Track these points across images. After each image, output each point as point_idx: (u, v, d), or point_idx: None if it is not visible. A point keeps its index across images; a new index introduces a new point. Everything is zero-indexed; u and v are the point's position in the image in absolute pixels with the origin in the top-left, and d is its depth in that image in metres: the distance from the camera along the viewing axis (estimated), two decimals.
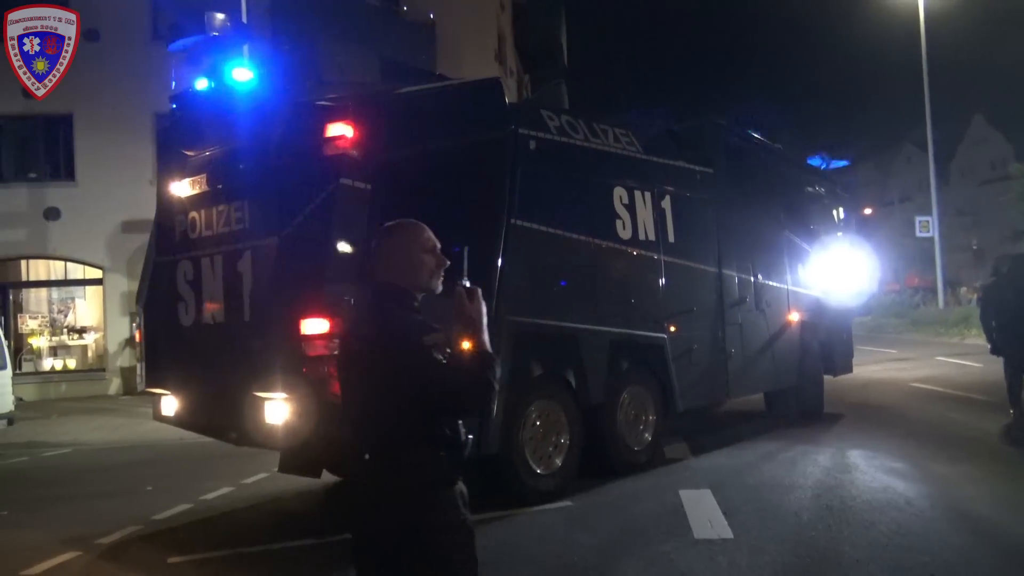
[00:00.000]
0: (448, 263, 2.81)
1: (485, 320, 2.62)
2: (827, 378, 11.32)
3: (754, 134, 10.73)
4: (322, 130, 5.82)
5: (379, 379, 2.61)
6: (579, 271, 7.44)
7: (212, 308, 6.52)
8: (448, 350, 2.61)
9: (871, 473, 7.44)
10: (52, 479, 9.57)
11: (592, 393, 7.34)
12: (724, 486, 7.08)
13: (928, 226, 30.86)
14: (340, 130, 5.76)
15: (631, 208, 7.94)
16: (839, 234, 12.11)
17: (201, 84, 6.74)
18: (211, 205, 6.67)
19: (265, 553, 5.95)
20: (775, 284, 10.12)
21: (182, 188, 6.99)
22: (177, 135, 7.31)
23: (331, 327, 5.48)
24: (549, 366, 7.07)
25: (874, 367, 16.90)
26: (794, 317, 10.33)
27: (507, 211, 6.68)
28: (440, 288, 2.79)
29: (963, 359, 17.55)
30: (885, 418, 10.63)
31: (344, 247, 5.72)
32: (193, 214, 6.82)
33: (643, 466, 7.80)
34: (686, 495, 6.76)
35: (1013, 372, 9.84)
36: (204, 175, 6.81)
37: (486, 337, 2.61)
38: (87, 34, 15.44)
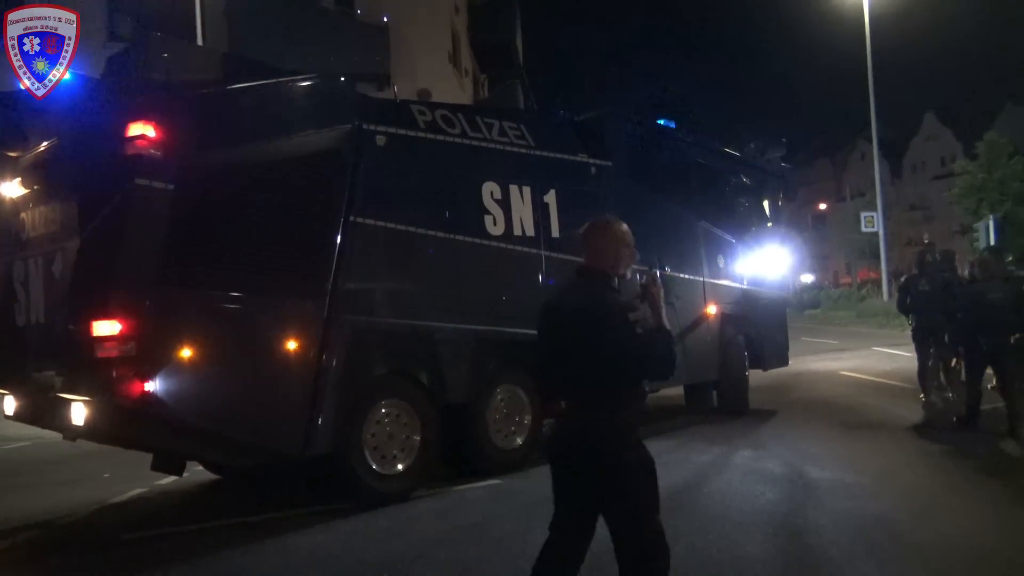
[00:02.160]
0: (638, 256, 3.58)
1: (663, 303, 3.40)
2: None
3: (666, 123, 10.28)
4: (124, 130, 5.71)
5: (584, 343, 3.28)
6: (435, 269, 7.24)
7: (36, 309, 6.56)
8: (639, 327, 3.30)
9: (776, 452, 8.13)
10: (12, 470, 9.88)
11: (451, 392, 7.24)
12: None
13: (873, 221, 31.81)
14: (140, 129, 5.64)
15: (504, 204, 7.76)
16: (768, 225, 11.91)
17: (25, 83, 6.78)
18: (34, 207, 6.73)
19: (208, 529, 6.43)
20: (688, 276, 9.85)
21: (12, 189, 7.02)
22: (3, 136, 7.29)
23: (123, 329, 5.42)
24: (395, 365, 6.91)
25: (811, 357, 17.70)
26: (712, 310, 10.06)
27: (346, 209, 6.57)
28: (629, 275, 3.58)
29: (897, 348, 18.30)
30: (807, 405, 11.35)
31: (139, 248, 5.66)
32: (23, 215, 6.89)
33: (516, 465, 7.62)
34: None
35: (923, 359, 10.66)
36: (25, 176, 6.92)
37: (665, 316, 3.37)
38: None
